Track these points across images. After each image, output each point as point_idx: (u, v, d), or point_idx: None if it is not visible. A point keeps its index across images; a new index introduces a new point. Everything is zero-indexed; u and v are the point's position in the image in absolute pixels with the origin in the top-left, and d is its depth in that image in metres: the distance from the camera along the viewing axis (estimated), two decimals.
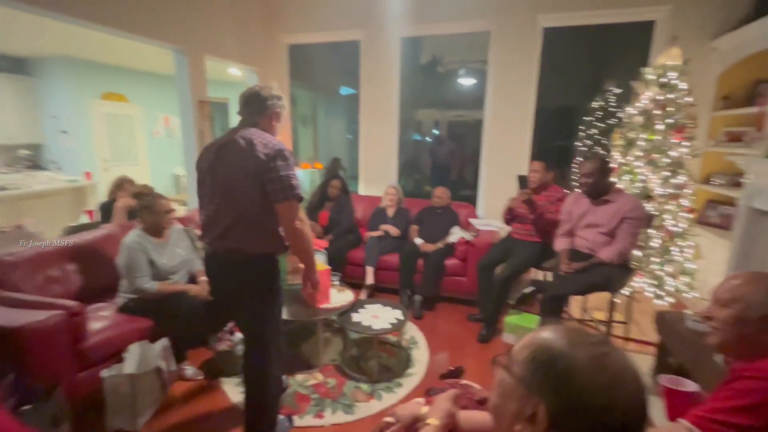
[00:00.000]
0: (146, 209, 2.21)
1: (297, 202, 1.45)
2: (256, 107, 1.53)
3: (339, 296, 2.49)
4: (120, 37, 2.91)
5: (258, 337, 1.62)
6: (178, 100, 3.42)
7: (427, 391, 1.14)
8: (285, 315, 2.23)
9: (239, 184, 1.43)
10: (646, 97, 2.86)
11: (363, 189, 4.28)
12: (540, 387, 0.56)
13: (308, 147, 7.49)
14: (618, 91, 4.36)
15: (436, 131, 8.15)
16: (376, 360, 2.26)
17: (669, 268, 2.84)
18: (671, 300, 2.88)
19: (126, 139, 6.07)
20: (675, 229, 2.79)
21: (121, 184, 2.86)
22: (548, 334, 0.60)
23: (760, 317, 0.88)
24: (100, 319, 2.05)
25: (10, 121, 4.99)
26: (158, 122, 6.56)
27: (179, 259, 2.32)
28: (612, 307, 2.31)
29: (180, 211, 4.73)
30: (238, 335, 2.29)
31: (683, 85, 2.76)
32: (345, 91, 8.07)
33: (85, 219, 3.32)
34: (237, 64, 3.98)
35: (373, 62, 3.98)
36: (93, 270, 2.34)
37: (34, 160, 5.33)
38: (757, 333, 0.89)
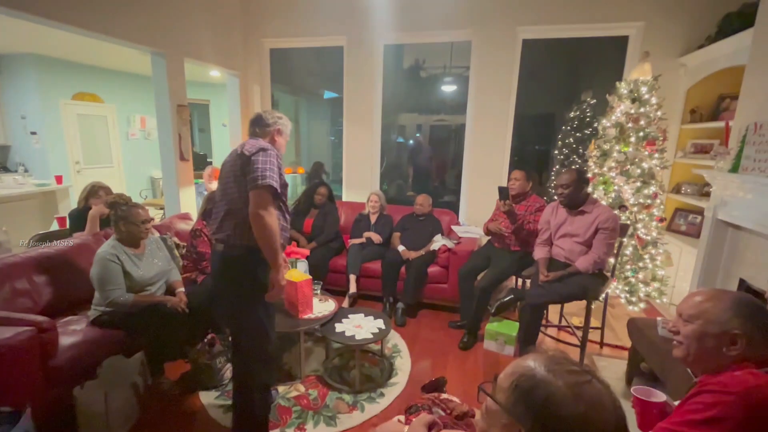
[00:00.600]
0: (122, 220, 2.14)
1: (266, 192, 1.49)
2: (260, 126, 1.72)
3: (321, 306, 2.47)
4: (97, 39, 2.81)
5: (236, 338, 1.66)
6: (156, 102, 3.33)
7: (408, 408, 1.16)
8: None
9: (230, 180, 1.59)
10: (619, 110, 2.97)
11: (346, 195, 4.27)
12: (522, 414, 0.60)
13: (290, 151, 7.41)
14: (593, 102, 4.51)
15: (418, 135, 8.21)
16: (359, 370, 2.26)
17: (641, 275, 2.96)
18: (643, 306, 3.00)
19: (100, 141, 5.87)
20: (647, 237, 2.91)
21: (95, 191, 2.74)
22: (530, 363, 0.63)
23: (720, 333, 0.93)
24: (72, 334, 1.97)
25: None
26: (134, 123, 6.36)
27: (156, 270, 2.26)
28: (588, 313, 2.38)
29: (157, 216, 4.61)
30: (218, 347, 2.24)
31: (654, 100, 2.88)
32: (328, 94, 8.03)
33: (56, 226, 3.18)
34: (217, 67, 3.91)
35: (356, 67, 3.99)
36: (64, 282, 2.25)
37: (0, 162, 5.08)
38: (717, 348, 0.94)
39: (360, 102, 4.05)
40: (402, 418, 1.00)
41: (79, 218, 2.66)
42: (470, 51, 3.74)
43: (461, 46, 4.11)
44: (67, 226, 2.78)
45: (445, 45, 6.15)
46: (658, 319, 2.08)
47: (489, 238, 3.09)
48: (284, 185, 1.64)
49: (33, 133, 5.08)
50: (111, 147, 6.04)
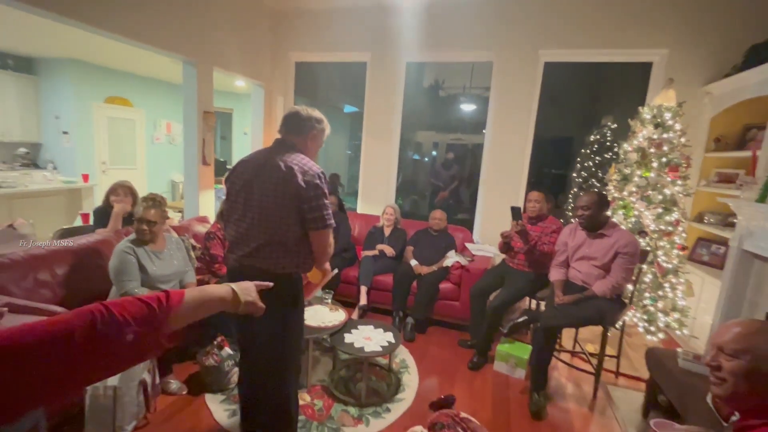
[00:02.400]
0: (136, 217, 2.20)
1: (330, 230, 1.51)
2: (295, 127, 1.56)
3: (331, 315, 2.46)
4: (134, 46, 2.95)
5: (277, 359, 1.59)
6: (184, 109, 3.45)
7: (433, 425, 1.12)
8: None
9: (276, 208, 1.44)
10: (642, 135, 2.94)
11: (361, 207, 4.29)
12: None
13: None
14: (614, 126, 4.48)
15: (435, 153, 8.25)
16: (366, 383, 2.23)
17: (660, 304, 2.86)
18: (662, 336, 2.89)
19: (126, 143, 6.08)
20: (667, 265, 2.83)
21: (114, 189, 2.78)
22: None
23: None
24: None
25: (11, 118, 4.99)
26: (160, 128, 6.58)
27: (172, 269, 2.30)
28: (604, 340, 2.31)
29: (175, 218, 4.70)
30: (227, 350, 2.24)
31: (678, 126, 2.84)
32: (348, 108, 8.19)
33: (80, 222, 3.27)
34: (244, 77, 4.04)
35: (379, 83, 4.07)
36: (83, 276, 2.30)
37: (31, 158, 5.30)
38: None
39: (380, 117, 4.11)
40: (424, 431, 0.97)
41: (102, 215, 2.74)
42: (491, 71, 3.78)
43: (481, 66, 4.17)
44: (91, 222, 2.86)
45: (465, 65, 6.24)
46: (679, 350, 2.00)
47: (503, 257, 3.05)
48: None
49: (65, 133, 5.30)
50: (136, 149, 6.25)
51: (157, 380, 2.03)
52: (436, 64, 4.91)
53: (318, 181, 1.44)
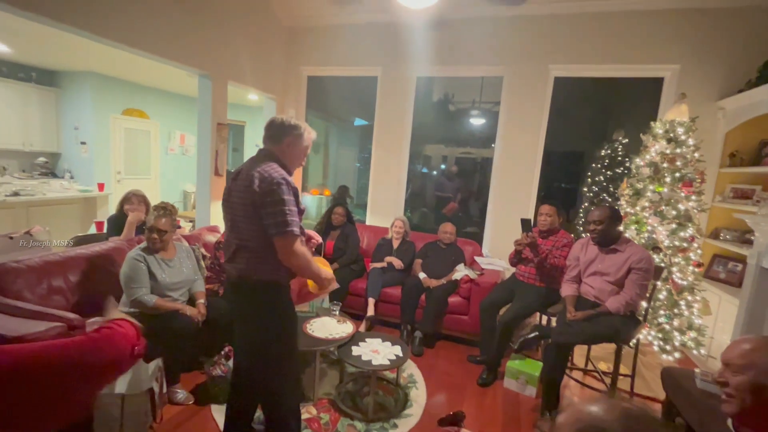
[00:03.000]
0: (147, 226, 2.24)
1: (291, 237, 1.43)
2: (271, 135, 1.58)
3: (339, 327, 2.45)
4: (152, 60, 3.05)
5: (261, 369, 1.59)
6: (198, 120, 3.53)
7: None
8: None
9: (243, 215, 1.48)
10: (654, 149, 2.91)
11: (370, 219, 4.30)
12: None
13: (318, 174, 7.62)
14: (625, 140, 4.45)
15: (443, 166, 8.27)
16: (373, 397, 2.19)
17: (676, 322, 2.79)
18: (678, 355, 2.81)
19: (141, 154, 6.22)
20: (682, 282, 2.76)
21: (128, 197, 2.83)
22: (602, 415, 0.54)
23: None
24: None
25: (32, 128, 5.15)
26: (174, 139, 6.73)
27: (181, 277, 2.32)
28: (618, 358, 2.25)
29: (186, 227, 4.76)
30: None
31: (692, 141, 2.81)
32: (358, 122, 8.28)
33: (94, 230, 3.33)
34: (257, 91, 4.13)
35: (389, 98, 4.12)
36: (95, 282, 2.33)
37: (50, 167, 5.45)
38: None
39: (390, 130, 4.15)
40: None
41: (116, 223, 2.78)
42: (501, 86, 3.80)
43: (491, 81, 4.20)
44: (105, 231, 2.90)
45: (475, 80, 6.28)
46: (696, 370, 1.93)
47: (513, 271, 3.01)
48: (301, 212, 1.56)
49: (83, 143, 5.44)
50: (150, 160, 6.38)
51: (164, 389, 2.02)
52: (445, 78, 4.96)
53: (275, 187, 1.41)
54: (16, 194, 4.24)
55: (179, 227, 2.47)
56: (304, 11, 4.16)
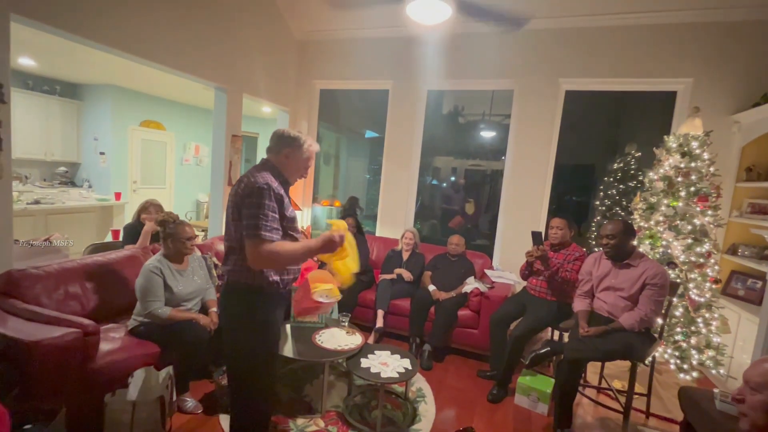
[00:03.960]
0: (170, 236, 2.27)
1: (257, 240, 1.40)
2: (272, 146, 1.63)
3: (348, 338, 2.44)
4: (171, 74, 3.15)
5: (236, 376, 1.58)
6: (213, 132, 3.62)
7: None
8: (290, 353, 2.20)
9: (230, 217, 1.52)
10: (668, 163, 2.88)
11: (380, 230, 4.31)
12: None
13: (329, 185, 7.69)
14: (638, 154, 4.41)
15: (453, 178, 8.27)
16: (381, 411, 2.17)
17: (693, 340, 2.71)
18: (696, 375, 2.72)
19: (157, 164, 6.37)
20: (699, 299, 2.69)
21: (146, 207, 2.92)
22: None
23: None
24: (111, 341, 2.05)
25: (54, 139, 5.33)
26: (189, 150, 6.88)
27: (195, 287, 2.35)
28: (633, 376, 2.20)
29: (199, 237, 4.83)
30: None
31: (706, 155, 2.78)
32: (369, 134, 8.37)
33: (110, 238, 3.41)
34: (271, 103, 4.22)
35: (400, 110, 4.17)
36: (110, 290, 2.38)
37: (69, 177, 5.61)
38: None
39: (400, 143, 4.19)
40: None
41: (132, 232, 2.85)
42: (511, 99, 3.82)
43: (502, 93, 4.23)
44: (121, 239, 2.97)
45: (485, 93, 6.32)
46: (715, 390, 1.87)
47: (524, 285, 2.98)
48: (291, 219, 1.55)
49: (101, 154, 5.60)
50: (166, 170, 6.53)
51: (174, 398, 2.04)
52: (456, 91, 5.01)
53: (255, 191, 1.42)
54: (37, 202, 4.37)
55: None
56: (317, 26, 4.27)
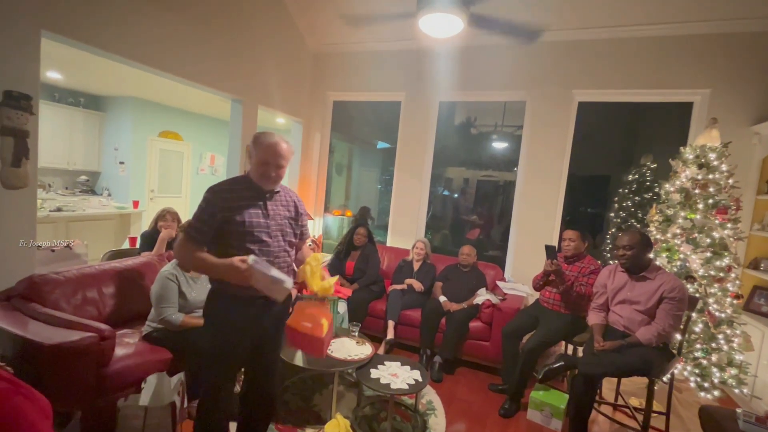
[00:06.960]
0: None
1: (185, 237, 1.50)
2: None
3: (358, 348, 2.43)
4: (189, 86, 3.25)
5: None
6: (229, 142, 3.70)
7: None
8: (299, 362, 2.20)
9: None
10: (684, 175, 2.83)
11: (391, 240, 4.31)
12: None
13: (341, 195, 7.75)
14: (654, 165, 4.34)
15: (465, 189, 8.24)
16: (390, 423, 2.14)
17: (714, 357, 2.62)
18: (717, 393, 2.62)
19: (174, 173, 6.53)
20: (720, 315, 2.61)
21: (163, 214, 2.98)
22: None
23: None
24: (125, 346, 2.08)
25: (76, 149, 5.52)
26: (205, 160, 7.04)
27: (206, 294, 2.37)
28: (651, 393, 2.13)
29: None
30: None
31: (724, 167, 2.72)
32: (381, 145, 8.43)
33: (127, 245, 3.50)
34: (285, 115, 4.30)
35: (412, 122, 4.20)
36: (126, 296, 2.43)
37: (90, 185, 5.78)
38: None
39: (412, 153, 4.21)
40: None
41: (149, 239, 2.91)
42: (524, 110, 3.82)
43: (514, 105, 4.22)
44: (137, 246, 3.04)
45: (497, 104, 6.34)
46: (738, 410, 1.80)
47: (537, 297, 2.93)
48: (241, 223, 1.49)
49: (121, 163, 5.77)
50: (182, 179, 6.68)
51: (185, 404, 2.05)
52: (468, 102, 5.04)
53: (204, 194, 1.53)
54: (59, 210, 4.50)
55: None
56: (331, 39, 4.37)
